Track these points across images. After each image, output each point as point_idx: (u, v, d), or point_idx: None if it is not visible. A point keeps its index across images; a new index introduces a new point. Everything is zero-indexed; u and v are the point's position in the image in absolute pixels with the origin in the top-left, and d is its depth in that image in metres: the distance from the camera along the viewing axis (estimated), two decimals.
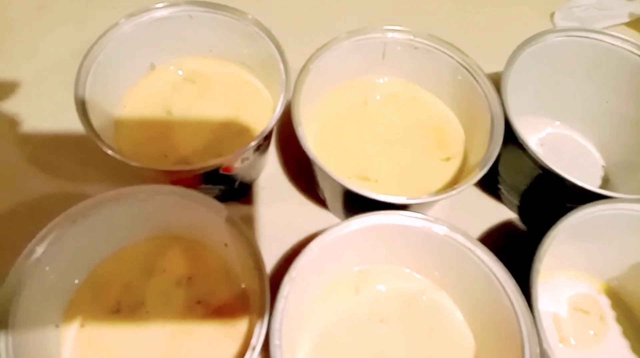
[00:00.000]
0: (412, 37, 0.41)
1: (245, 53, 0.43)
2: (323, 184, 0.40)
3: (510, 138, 0.37)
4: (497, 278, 0.32)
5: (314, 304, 0.35)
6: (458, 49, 0.41)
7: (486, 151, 0.37)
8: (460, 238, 0.33)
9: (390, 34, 0.42)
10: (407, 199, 0.34)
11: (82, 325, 0.33)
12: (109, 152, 0.34)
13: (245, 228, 0.31)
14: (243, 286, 0.35)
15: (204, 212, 0.33)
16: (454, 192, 0.34)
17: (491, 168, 0.36)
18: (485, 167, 0.35)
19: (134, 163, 0.34)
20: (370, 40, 0.42)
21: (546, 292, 0.38)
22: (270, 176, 0.45)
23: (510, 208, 0.45)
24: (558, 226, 0.33)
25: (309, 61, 0.39)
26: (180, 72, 0.44)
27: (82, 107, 0.36)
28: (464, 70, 0.40)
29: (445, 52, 0.41)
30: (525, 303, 0.30)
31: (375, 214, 0.33)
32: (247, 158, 0.38)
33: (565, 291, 0.39)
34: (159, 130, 0.41)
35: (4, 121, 0.46)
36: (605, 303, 0.39)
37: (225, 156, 0.35)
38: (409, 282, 0.37)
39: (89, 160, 0.44)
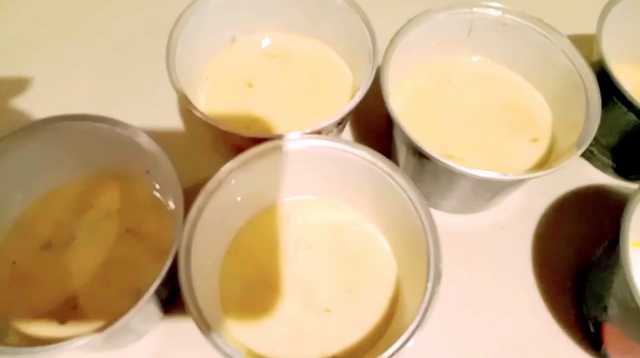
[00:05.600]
0: (500, 13, 0.40)
1: (327, 27, 0.42)
2: (406, 160, 0.39)
3: (610, 95, 0.36)
4: (412, 202, 0.32)
5: (244, 231, 0.36)
6: (551, 27, 0.39)
7: (582, 130, 0.35)
8: (380, 163, 0.33)
9: (477, 9, 0.40)
10: (502, 175, 0.33)
11: (14, 263, 0.35)
12: (204, 118, 0.34)
13: (160, 150, 0.33)
14: (169, 209, 0.36)
15: (123, 138, 0.34)
16: (552, 170, 0.33)
17: None
18: (583, 146, 0.34)
19: (226, 128, 0.34)
20: (457, 16, 0.40)
21: None
22: None
23: (602, 170, 0.44)
24: None
25: (397, 35, 0.38)
26: (261, 46, 0.44)
27: (175, 77, 0.36)
28: (557, 49, 0.39)
29: (536, 30, 0.39)
30: (434, 224, 0.30)
31: (296, 139, 0.33)
32: (331, 131, 0.38)
33: None
34: (241, 102, 0.41)
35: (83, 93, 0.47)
36: None
37: (314, 127, 0.35)
38: (341, 214, 0.38)
39: None
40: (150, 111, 0.45)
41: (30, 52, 0.50)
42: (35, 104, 0.45)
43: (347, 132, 0.46)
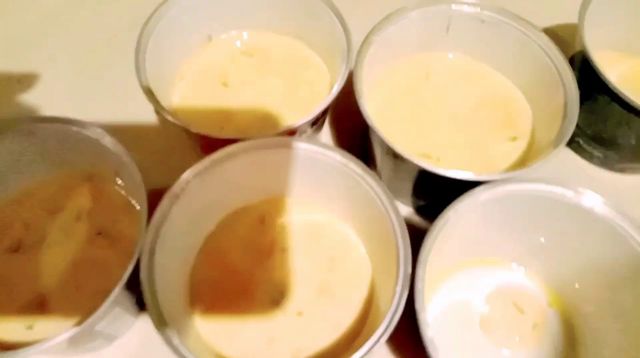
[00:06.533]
0: (479, 9, 0.40)
1: (304, 26, 0.42)
2: (382, 160, 0.38)
3: (594, 85, 0.36)
4: (383, 204, 0.31)
5: (215, 233, 0.36)
6: (529, 23, 0.38)
7: (560, 128, 0.35)
8: (351, 165, 0.32)
9: (455, 6, 0.40)
10: (475, 175, 0.32)
11: None
12: (171, 119, 0.34)
13: (125, 151, 0.32)
14: (139, 208, 0.36)
15: (91, 141, 0.33)
16: (529, 169, 0.32)
17: None
18: (560, 145, 0.33)
19: (193, 129, 0.34)
20: (435, 13, 0.40)
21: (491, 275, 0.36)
22: None
23: (589, 160, 0.44)
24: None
25: (372, 32, 0.38)
26: (237, 45, 0.43)
27: (143, 75, 0.35)
28: (535, 45, 0.38)
29: (515, 27, 0.39)
30: (404, 228, 0.30)
31: (267, 140, 0.33)
32: (305, 131, 0.37)
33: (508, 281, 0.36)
34: (216, 102, 0.40)
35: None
36: (551, 314, 0.35)
37: (287, 127, 0.34)
38: (317, 215, 0.37)
39: None
40: (126, 112, 0.44)
41: (4, 52, 0.50)
42: (9, 104, 0.45)
43: (326, 133, 0.45)
